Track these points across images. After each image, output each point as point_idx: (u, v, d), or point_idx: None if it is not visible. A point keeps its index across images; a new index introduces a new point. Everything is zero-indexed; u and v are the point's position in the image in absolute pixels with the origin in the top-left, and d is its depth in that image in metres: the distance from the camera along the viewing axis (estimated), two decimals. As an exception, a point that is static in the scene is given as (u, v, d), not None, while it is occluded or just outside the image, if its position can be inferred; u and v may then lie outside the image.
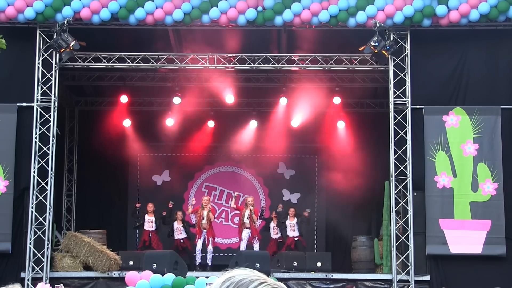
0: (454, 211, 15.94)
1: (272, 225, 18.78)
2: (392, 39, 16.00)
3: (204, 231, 18.07)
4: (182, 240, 18.49)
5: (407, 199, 16.05)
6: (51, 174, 16.08)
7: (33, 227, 15.82)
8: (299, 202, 21.29)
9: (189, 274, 15.52)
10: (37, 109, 16.16)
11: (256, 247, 18.04)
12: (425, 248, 15.93)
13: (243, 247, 18.02)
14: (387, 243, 16.69)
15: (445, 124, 16.20)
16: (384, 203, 17.20)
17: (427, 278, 15.89)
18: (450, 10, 15.90)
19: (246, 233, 18.13)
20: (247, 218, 18.07)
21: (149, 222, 18.63)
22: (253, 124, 20.93)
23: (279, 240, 18.64)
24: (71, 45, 15.81)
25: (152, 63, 17.36)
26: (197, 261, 18.16)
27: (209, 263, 17.98)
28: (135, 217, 19.13)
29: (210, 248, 18.08)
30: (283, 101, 20.07)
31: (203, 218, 18.01)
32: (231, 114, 21.01)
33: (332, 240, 21.03)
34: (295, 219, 18.57)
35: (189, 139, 21.09)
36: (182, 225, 18.62)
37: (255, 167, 21.46)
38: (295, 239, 18.44)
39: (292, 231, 18.51)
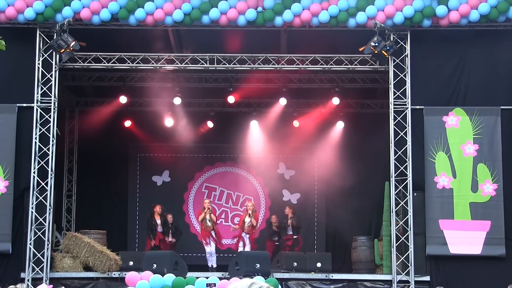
0: (454, 211, 15.94)
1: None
2: (392, 39, 16.00)
3: (213, 232, 18.05)
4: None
5: (407, 199, 16.06)
6: (51, 174, 16.07)
7: (33, 227, 15.81)
8: (299, 202, 21.31)
9: (189, 274, 15.53)
10: (37, 109, 16.15)
11: (248, 247, 18.10)
12: (425, 249, 15.93)
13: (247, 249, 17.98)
14: (387, 243, 16.69)
15: (445, 124, 16.20)
16: (384, 204, 17.21)
17: (427, 278, 15.90)
18: (450, 10, 15.90)
19: (246, 237, 18.17)
20: (248, 224, 18.09)
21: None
22: (253, 124, 20.94)
23: (294, 237, 18.95)
24: (71, 45, 15.81)
25: (152, 63, 17.35)
26: (210, 264, 18.12)
27: (214, 265, 17.98)
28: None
29: (214, 247, 18.06)
30: (282, 101, 20.08)
31: (208, 221, 17.95)
32: (231, 114, 21.03)
33: (332, 241, 21.03)
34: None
35: (189, 140, 21.09)
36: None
37: (255, 167, 21.46)
38: (294, 237, 18.87)
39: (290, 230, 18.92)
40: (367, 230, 20.11)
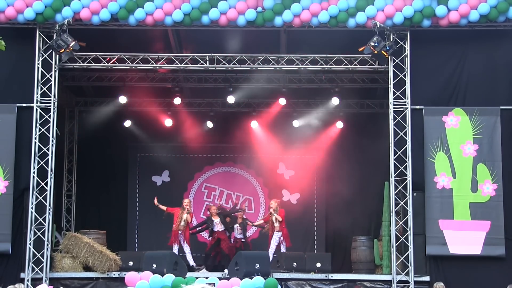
0: (453, 211, 15.94)
1: (236, 224, 18.83)
2: (392, 39, 16.00)
3: (180, 232, 17.89)
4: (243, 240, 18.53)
5: (406, 199, 16.06)
6: (51, 174, 16.07)
7: (32, 227, 15.81)
8: (298, 202, 21.30)
9: (189, 274, 15.53)
10: (36, 109, 16.15)
11: (282, 248, 17.89)
12: (424, 249, 15.93)
13: (271, 253, 17.73)
14: (387, 243, 16.69)
15: (445, 124, 16.20)
16: (384, 204, 17.21)
17: (427, 278, 15.89)
18: (450, 10, 15.91)
19: (276, 238, 17.91)
20: (275, 221, 17.91)
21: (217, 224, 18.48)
22: (252, 124, 20.94)
23: (243, 240, 18.60)
24: (70, 45, 15.81)
25: (152, 63, 17.34)
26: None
27: (192, 263, 17.89)
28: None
29: (188, 248, 17.92)
30: (282, 101, 20.09)
31: (182, 221, 17.83)
32: (230, 114, 21.03)
33: (332, 241, 21.03)
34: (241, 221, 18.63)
35: (188, 140, 21.10)
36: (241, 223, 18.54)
37: (255, 167, 21.47)
38: (242, 240, 18.48)
39: (239, 233, 18.49)
40: (367, 230, 20.11)
